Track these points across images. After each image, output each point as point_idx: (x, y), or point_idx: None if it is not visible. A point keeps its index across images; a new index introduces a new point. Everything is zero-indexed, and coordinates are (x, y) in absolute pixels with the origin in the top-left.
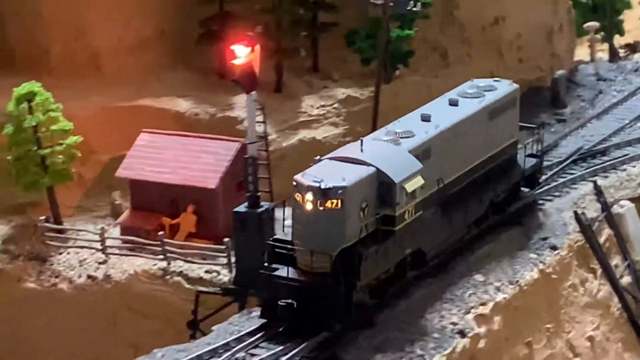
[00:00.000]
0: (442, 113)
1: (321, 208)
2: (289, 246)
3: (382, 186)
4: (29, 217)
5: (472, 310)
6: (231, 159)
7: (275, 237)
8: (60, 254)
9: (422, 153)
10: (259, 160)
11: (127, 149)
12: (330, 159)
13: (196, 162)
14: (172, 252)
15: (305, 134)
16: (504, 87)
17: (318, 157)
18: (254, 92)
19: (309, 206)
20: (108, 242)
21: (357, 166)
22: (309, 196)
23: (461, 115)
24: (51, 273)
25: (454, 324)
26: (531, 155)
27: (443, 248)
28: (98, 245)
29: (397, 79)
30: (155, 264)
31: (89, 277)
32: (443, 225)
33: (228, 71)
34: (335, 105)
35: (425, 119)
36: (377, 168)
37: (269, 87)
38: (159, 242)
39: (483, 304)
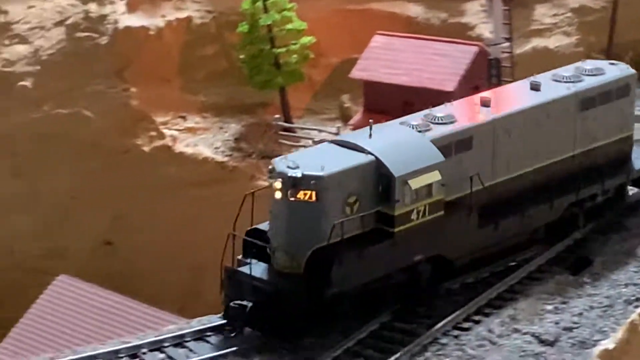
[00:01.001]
0: (516, 97)
1: (292, 199)
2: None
3: (382, 179)
4: (259, 116)
5: None
6: (469, 63)
7: (255, 227)
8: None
9: (457, 144)
10: (503, 63)
11: (356, 53)
12: (331, 142)
13: (432, 65)
14: None
15: (537, 42)
16: (614, 73)
17: (319, 139)
18: None
19: (278, 195)
20: None
21: (354, 153)
22: (278, 184)
23: (533, 103)
24: None
25: None
26: None
27: (487, 255)
28: None
29: None
30: None
31: None
32: (483, 231)
33: None
34: (568, 15)
35: (485, 103)
36: (376, 157)
37: None
38: None
39: None
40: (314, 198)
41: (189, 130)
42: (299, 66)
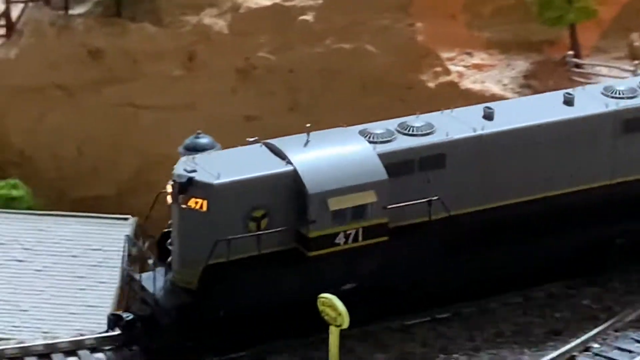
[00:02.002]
0: (531, 111)
1: (184, 207)
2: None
3: (299, 195)
4: (546, 54)
5: None
6: None
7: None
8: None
9: (422, 161)
10: None
11: None
12: (264, 143)
13: None
14: None
15: None
16: None
17: (255, 138)
18: None
19: (169, 200)
20: None
21: (276, 161)
22: (169, 188)
23: (546, 120)
24: None
25: None
26: None
27: (465, 289)
28: None
29: None
30: None
31: None
32: (453, 263)
33: None
34: None
35: (488, 116)
36: (294, 169)
37: None
38: None
39: None
40: (204, 208)
41: (475, 66)
42: (591, 3)
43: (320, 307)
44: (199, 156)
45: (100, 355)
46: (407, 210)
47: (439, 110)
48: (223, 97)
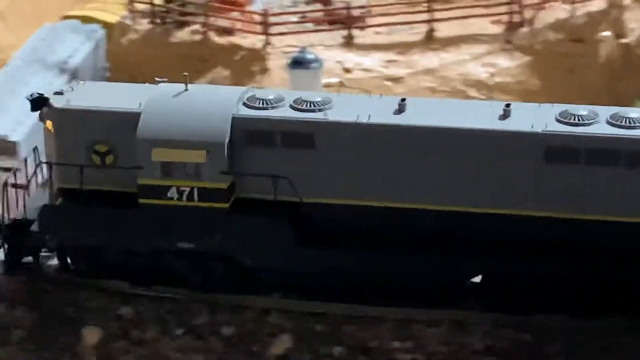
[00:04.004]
0: (449, 113)
1: (44, 126)
2: None
3: None
4: None
5: None
6: None
7: None
8: None
9: (284, 136)
10: None
11: None
12: (164, 87)
13: None
14: None
15: None
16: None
17: (164, 79)
18: None
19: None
20: None
21: (140, 101)
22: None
23: (448, 124)
24: None
25: None
26: None
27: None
28: None
29: None
30: None
31: None
32: (304, 252)
33: None
34: None
35: (400, 109)
36: (141, 112)
37: None
38: None
39: None
40: (52, 130)
41: None
42: None
43: None
44: (99, 83)
45: None
46: (251, 183)
47: None
48: None
